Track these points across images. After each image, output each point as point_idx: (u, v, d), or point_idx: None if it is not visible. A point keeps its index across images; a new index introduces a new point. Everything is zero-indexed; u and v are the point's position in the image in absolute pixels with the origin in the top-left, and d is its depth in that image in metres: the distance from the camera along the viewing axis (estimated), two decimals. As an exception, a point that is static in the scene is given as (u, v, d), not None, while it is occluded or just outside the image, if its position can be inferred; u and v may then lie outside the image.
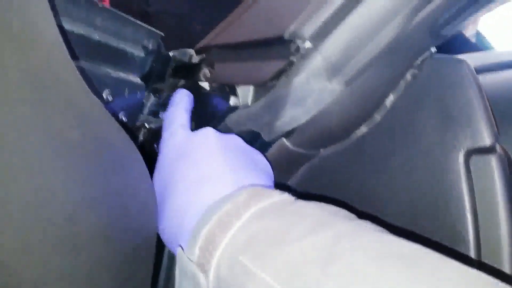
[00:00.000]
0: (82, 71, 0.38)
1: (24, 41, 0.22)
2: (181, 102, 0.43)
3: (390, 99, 0.42)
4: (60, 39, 0.23)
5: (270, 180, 0.36)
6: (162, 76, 0.53)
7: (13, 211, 0.22)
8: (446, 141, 0.37)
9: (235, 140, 0.38)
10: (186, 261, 0.28)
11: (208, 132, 0.37)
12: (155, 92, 0.56)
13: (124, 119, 0.44)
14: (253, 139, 0.47)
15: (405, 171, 0.40)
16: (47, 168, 0.23)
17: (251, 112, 0.43)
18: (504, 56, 0.53)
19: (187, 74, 0.55)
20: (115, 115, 0.42)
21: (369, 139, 0.44)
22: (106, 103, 0.41)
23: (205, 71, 0.52)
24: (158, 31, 0.44)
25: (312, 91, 0.37)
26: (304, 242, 0.24)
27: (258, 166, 0.37)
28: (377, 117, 0.43)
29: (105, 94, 0.40)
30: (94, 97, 0.27)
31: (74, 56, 0.37)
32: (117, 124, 0.29)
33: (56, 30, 0.23)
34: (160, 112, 0.58)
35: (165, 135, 0.39)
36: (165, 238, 0.34)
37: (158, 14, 1.47)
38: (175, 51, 0.54)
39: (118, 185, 0.28)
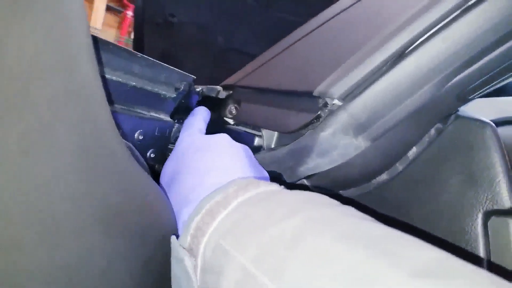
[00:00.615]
0: (117, 115, 0.40)
1: (78, 112, 0.23)
2: (200, 113, 0.47)
3: (413, 151, 0.43)
4: (110, 114, 0.25)
5: (266, 179, 0.39)
6: (190, 109, 0.55)
7: (55, 271, 0.24)
8: (467, 201, 0.38)
9: (246, 149, 0.41)
10: (178, 247, 0.30)
11: (223, 135, 0.41)
12: (180, 120, 0.57)
13: (152, 156, 0.45)
14: (275, 179, 0.49)
15: (424, 224, 0.41)
16: (89, 233, 0.25)
17: (275, 156, 0.44)
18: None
19: (213, 108, 0.56)
20: (144, 154, 0.44)
21: (390, 187, 0.45)
22: (136, 142, 0.43)
23: (231, 107, 0.54)
24: (190, 75, 0.45)
25: (337, 145, 0.38)
26: (277, 227, 0.26)
27: (262, 174, 0.40)
28: (399, 167, 0.44)
29: (137, 134, 0.42)
30: (133, 159, 0.28)
31: (109, 101, 0.39)
32: (153, 182, 0.31)
33: (108, 108, 0.25)
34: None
35: (182, 135, 0.43)
36: None
37: (182, 25, 1.50)
38: (204, 87, 0.56)
39: (152, 240, 0.30)
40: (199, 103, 0.58)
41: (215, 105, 0.56)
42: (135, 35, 1.56)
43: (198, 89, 0.55)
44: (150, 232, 0.30)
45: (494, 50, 0.34)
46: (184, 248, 0.30)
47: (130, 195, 0.27)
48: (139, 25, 1.50)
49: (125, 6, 2.82)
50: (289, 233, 0.25)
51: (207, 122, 0.48)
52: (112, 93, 0.39)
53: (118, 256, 0.27)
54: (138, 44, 1.55)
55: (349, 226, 0.25)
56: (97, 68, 0.24)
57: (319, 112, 0.39)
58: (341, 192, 0.49)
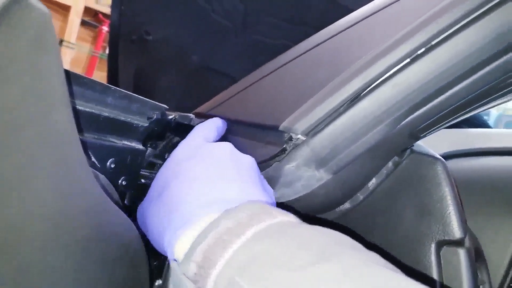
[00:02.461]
0: (90, 144, 0.41)
1: (54, 157, 0.25)
2: (213, 122, 0.44)
3: (372, 182, 0.46)
4: (83, 155, 0.26)
5: (271, 198, 0.36)
6: (163, 137, 0.56)
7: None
8: (420, 231, 0.40)
9: (252, 161, 0.39)
10: (181, 276, 0.27)
11: (227, 143, 0.39)
12: (152, 145, 0.59)
13: (124, 183, 0.46)
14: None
15: (382, 253, 0.43)
16: (58, 267, 0.26)
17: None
18: (480, 140, 0.58)
19: (185, 135, 0.58)
20: (115, 182, 0.45)
21: (351, 215, 0.47)
22: (108, 171, 0.43)
23: (203, 135, 0.55)
24: (162, 105, 0.47)
25: (301, 177, 0.41)
26: (309, 271, 0.23)
27: (263, 184, 0.38)
28: (360, 196, 0.47)
29: (109, 163, 0.43)
30: (103, 193, 0.30)
31: (81, 131, 0.40)
32: (122, 214, 0.32)
33: (81, 150, 0.26)
34: (157, 165, 0.61)
35: (183, 141, 0.41)
36: (150, 229, 0.35)
37: (157, 43, 1.51)
38: (176, 114, 0.57)
39: (121, 270, 0.31)
40: (172, 129, 0.59)
41: (187, 132, 0.57)
42: (109, 51, 1.55)
43: (170, 117, 0.57)
44: (119, 263, 0.31)
45: (441, 95, 0.38)
46: (187, 277, 0.27)
47: (100, 228, 0.28)
48: (113, 41, 1.50)
49: (100, 21, 2.81)
50: (327, 282, 0.22)
51: (220, 134, 0.44)
52: (85, 123, 0.40)
53: (87, 285, 0.28)
54: (112, 60, 1.54)
55: (381, 278, 0.23)
56: (72, 114, 0.26)
57: (284, 146, 0.41)
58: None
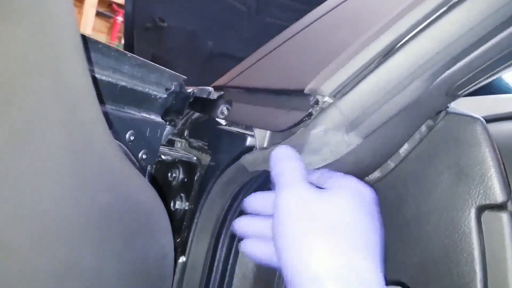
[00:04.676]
0: (106, 115, 0.40)
1: (66, 111, 0.23)
2: (293, 155, 0.38)
3: (404, 148, 0.43)
4: (100, 111, 0.25)
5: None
6: (181, 111, 0.55)
7: (46, 273, 0.23)
8: (459, 196, 0.38)
9: (371, 207, 0.34)
10: None
11: (345, 194, 0.33)
12: (171, 121, 0.57)
13: (144, 156, 0.45)
14: (265, 179, 0.49)
15: (417, 220, 0.41)
16: (79, 234, 0.24)
17: (267, 155, 0.44)
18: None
19: (204, 109, 0.56)
20: (136, 155, 0.44)
21: (382, 184, 0.45)
22: (128, 143, 0.42)
23: (223, 108, 0.54)
24: (180, 75, 0.45)
25: (329, 142, 0.38)
26: None
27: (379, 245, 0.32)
28: (391, 164, 0.44)
29: (128, 135, 0.42)
30: (125, 158, 0.28)
31: (100, 101, 0.39)
32: (145, 181, 0.30)
33: (98, 106, 0.24)
34: (176, 142, 0.60)
35: (283, 187, 0.34)
36: None
37: (171, 30, 1.50)
38: (195, 88, 0.55)
39: (144, 240, 0.30)
40: (190, 104, 0.58)
41: (206, 106, 0.56)
42: (125, 40, 1.55)
43: (189, 90, 0.55)
44: (142, 232, 0.29)
45: (479, 47, 0.35)
46: None
47: (122, 195, 0.27)
48: (128, 30, 1.50)
49: (114, 12, 2.81)
50: None
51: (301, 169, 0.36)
52: (102, 93, 0.39)
53: (108, 256, 0.27)
54: (128, 49, 1.54)
55: None
56: (87, 67, 0.24)
57: (310, 110, 0.39)
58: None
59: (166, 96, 0.46)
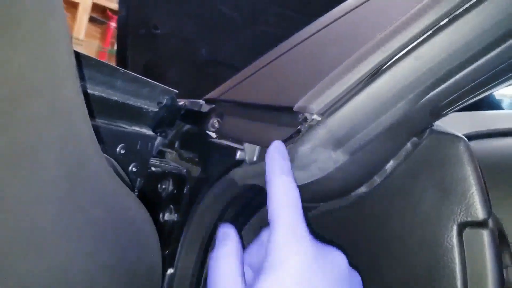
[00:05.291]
0: (97, 129, 0.40)
1: (62, 131, 0.24)
2: (290, 191, 0.33)
3: (390, 164, 0.44)
4: (92, 130, 0.25)
5: None
6: (173, 124, 0.55)
7: (35, 279, 0.24)
8: (442, 213, 0.39)
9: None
10: None
11: (339, 259, 0.32)
12: (162, 132, 0.58)
13: (134, 169, 0.45)
14: (255, 193, 0.49)
15: (401, 236, 0.42)
16: (72, 247, 0.25)
17: (256, 170, 0.45)
18: (500, 120, 0.56)
19: (195, 122, 0.57)
20: (125, 168, 0.44)
21: (368, 200, 0.46)
22: (118, 156, 0.43)
23: (214, 121, 0.54)
24: (172, 89, 0.46)
25: (317, 159, 0.39)
26: None
27: None
28: (377, 179, 0.45)
29: (119, 149, 0.42)
30: (114, 175, 0.29)
31: (92, 116, 0.40)
32: (134, 197, 0.31)
33: (90, 125, 0.25)
34: (166, 153, 0.60)
35: (284, 236, 0.30)
36: None
37: (165, 37, 1.50)
38: (186, 100, 0.56)
39: (131, 253, 0.30)
40: (182, 117, 0.58)
41: (197, 119, 0.56)
42: (118, 46, 1.55)
43: (180, 103, 0.56)
44: (131, 246, 0.30)
45: (465, 68, 0.36)
46: None
47: (112, 211, 0.27)
48: (122, 36, 1.50)
49: (108, 17, 2.81)
50: None
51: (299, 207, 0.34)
52: (94, 107, 0.40)
53: (100, 269, 0.27)
54: (121, 55, 1.54)
55: None
56: (80, 87, 0.25)
57: (298, 127, 0.40)
58: (321, 204, 0.50)
59: (157, 110, 0.46)
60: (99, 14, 2.81)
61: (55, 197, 0.22)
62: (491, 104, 1.14)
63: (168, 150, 0.60)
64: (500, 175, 0.46)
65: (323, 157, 0.39)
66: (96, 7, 2.72)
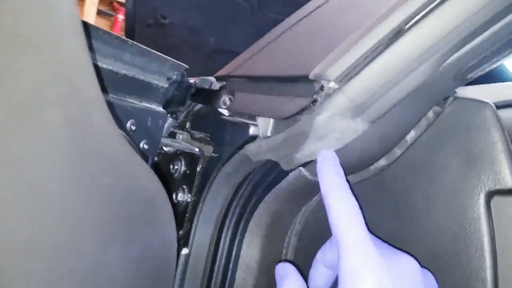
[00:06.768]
0: (108, 104, 0.39)
1: (65, 87, 0.22)
2: (350, 206, 0.33)
3: (411, 135, 0.43)
4: (100, 91, 0.24)
5: None
6: (183, 102, 0.54)
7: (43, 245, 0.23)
8: (468, 182, 0.37)
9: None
10: None
11: (411, 264, 0.32)
12: (173, 113, 0.56)
13: (146, 147, 0.44)
14: (270, 169, 0.48)
15: (425, 209, 0.40)
16: (79, 215, 0.24)
17: (271, 144, 0.43)
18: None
19: (206, 100, 0.56)
20: (137, 145, 0.43)
21: (389, 173, 0.44)
22: (129, 133, 0.41)
23: (225, 98, 0.53)
24: (182, 64, 0.45)
25: (335, 128, 0.38)
26: None
27: None
28: (398, 151, 0.43)
29: (129, 124, 0.41)
30: (125, 141, 0.27)
31: (102, 90, 0.38)
32: (147, 166, 0.30)
33: (97, 85, 0.24)
34: (177, 134, 0.59)
35: (354, 258, 0.30)
36: None
37: (173, 26, 1.49)
38: (197, 78, 0.55)
39: (145, 227, 0.29)
40: (192, 96, 0.57)
41: (208, 97, 0.55)
42: (126, 36, 1.54)
43: (191, 81, 0.54)
44: (144, 219, 0.29)
45: (489, 28, 0.34)
46: None
47: (123, 178, 0.26)
48: (130, 27, 1.49)
49: (115, 10, 2.81)
50: None
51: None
52: (103, 81, 0.38)
53: (109, 240, 0.26)
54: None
55: None
56: (86, 45, 0.23)
57: (315, 96, 0.38)
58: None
59: (167, 86, 0.45)
60: (106, 7, 2.80)
61: (61, 159, 0.21)
62: (505, 77, 1.10)
63: (180, 131, 0.59)
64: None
65: (342, 127, 0.37)
66: (103, 0, 2.72)
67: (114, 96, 0.40)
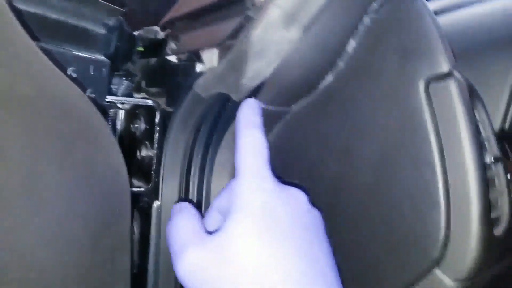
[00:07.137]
0: (43, 51, 0.38)
1: None
2: (257, 141, 0.33)
3: (351, 45, 0.43)
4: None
5: None
6: (129, 56, 0.54)
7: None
8: (406, 73, 0.38)
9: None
10: None
11: (300, 195, 0.32)
12: (128, 76, 0.56)
13: (92, 95, 0.44)
14: (224, 103, 0.48)
15: (372, 112, 0.41)
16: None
17: (216, 74, 0.44)
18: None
19: (155, 52, 0.55)
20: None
21: (336, 87, 0.44)
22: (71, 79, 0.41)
23: (171, 45, 0.53)
24: (118, 7, 0.44)
25: (271, 42, 0.38)
26: None
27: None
28: (341, 64, 0.44)
29: (70, 71, 0.41)
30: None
31: (33, 37, 0.38)
32: (78, 90, 0.29)
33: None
34: (134, 94, 0.59)
35: (248, 179, 0.31)
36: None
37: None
38: (140, 30, 0.54)
39: (83, 146, 0.29)
40: (142, 53, 0.57)
41: (155, 48, 0.55)
42: None
43: (135, 34, 0.54)
44: (78, 136, 0.28)
45: None
46: None
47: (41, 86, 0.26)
48: None
49: None
50: None
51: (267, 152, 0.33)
52: (34, 28, 0.38)
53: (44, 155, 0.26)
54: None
55: None
56: None
57: (247, 13, 0.38)
58: (292, 107, 0.49)
59: (105, 32, 0.44)
60: None
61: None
62: None
63: (136, 93, 0.59)
64: (462, 41, 0.45)
65: (277, 38, 0.38)
66: None
67: (49, 43, 0.39)
